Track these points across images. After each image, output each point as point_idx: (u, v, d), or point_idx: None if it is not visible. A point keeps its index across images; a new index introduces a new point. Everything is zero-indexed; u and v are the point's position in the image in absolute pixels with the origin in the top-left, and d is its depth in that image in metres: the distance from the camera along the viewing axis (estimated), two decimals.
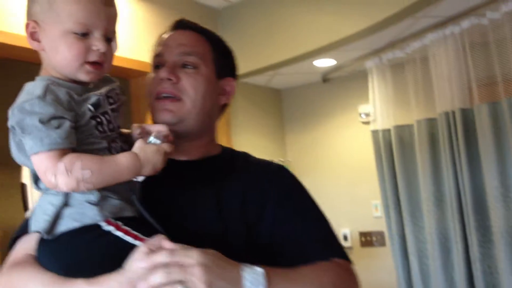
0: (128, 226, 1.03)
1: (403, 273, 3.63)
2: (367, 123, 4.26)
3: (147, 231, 1.04)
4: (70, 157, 0.98)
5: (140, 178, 1.10)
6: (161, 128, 1.14)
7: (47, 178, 0.99)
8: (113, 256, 1.00)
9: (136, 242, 1.02)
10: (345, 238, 4.41)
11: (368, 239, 4.35)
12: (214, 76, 1.33)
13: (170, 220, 1.12)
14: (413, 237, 3.54)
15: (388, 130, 3.75)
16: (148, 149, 1.07)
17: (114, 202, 1.05)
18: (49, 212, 1.03)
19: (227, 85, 1.38)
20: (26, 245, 1.13)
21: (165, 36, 1.35)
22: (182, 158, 1.30)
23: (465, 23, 3.20)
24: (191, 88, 1.26)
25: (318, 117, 4.71)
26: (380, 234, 4.28)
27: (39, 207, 1.07)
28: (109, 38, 1.08)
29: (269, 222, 1.23)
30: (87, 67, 1.05)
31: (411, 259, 3.55)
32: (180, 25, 1.36)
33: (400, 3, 3.07)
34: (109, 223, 1.03)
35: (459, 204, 3.24)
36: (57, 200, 1.03)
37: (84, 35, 1.03)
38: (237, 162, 1.36)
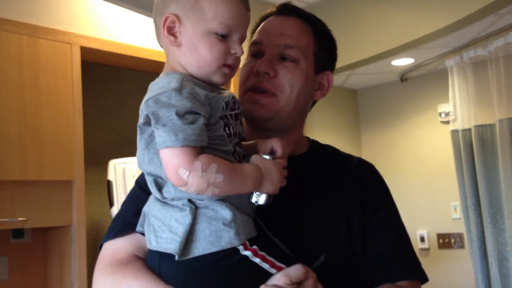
0: (263, 251, 0.98)
1: (482, 276, 3.54)
2: (446, 122, 4.18)
3: (277, 254, 0.99)
4: (206, 157, 0.93)
5: (262, 201, 1.01)
6: (278, 147, 1.07)
7: (178, 174, 0.92)
8: (248, 283, 0.96)
9: (272, 270, 0.97)
10: (422, 239, 4.33)
11: (446, 241, 4.26)
12: (313, 70, 1.25)
13: (291, 235, 1.08)
14: (493, 240, 3.45)
15: (469, 130, 3.67)
16: (267, 163, 1.01)
17: (246, 221, 0.99)
18: (178, 231, 0.95)
19: (324, 79, 1.29)
20: (129, 245, 1.11)
21: (267, 21, 1.26)
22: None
23: None
24: (287, 85, 1.19)
25: (395, 116, 4.66)
26: (459, 236, 4.19)
27: (160, 221, 0.98)
28: (241, 42, 1.05)
29: (364, 235, 1.20)
30: (225, 69, 1.02)
31: (491, 262, 3.46)
32: (285, 10, 1.27)
33: (482, 0, 3.00)
34: (245, 247, 0.97)
35: None
36: (184, 218, 0.95)
37: (224, 37, 1.01)
38: (329, 160, 1.30)
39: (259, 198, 1.01)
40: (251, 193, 1.02)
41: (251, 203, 1.02)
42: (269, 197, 1.02)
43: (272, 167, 1.01)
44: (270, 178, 1.00)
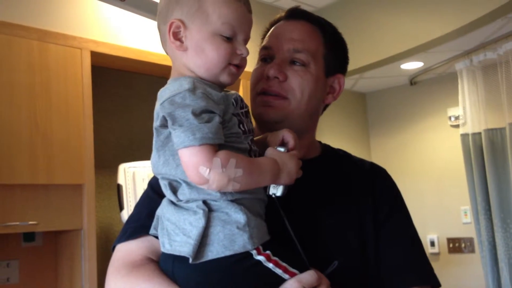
0: (276, 256, 0.98)
1: (493, 281, 3.51)
2: (456, 126, 4.16)
3: (290, 260, 0.99)
4: (224, 153, 0.94)
5: (279, 193, 1.03)
6: (289, 138, 1.08)
7: (198, 172, 0.93)
8: None
9: (285, 276, 0.97)
10: (432, 244, 4.31)
11: (456, 246, 4.23)
12: (323, 74, 1.26)
13: (303, 240, 1.07)
14: (504, 244, 3.42)
15: (479, 134, 3.65)
16: (283, 156, 1.03)
17: (259, 225, 0.99)
18: (191, 234, 0.95)
19: (336, 82, 1.30)
20: (142, 247, 1.11)
21: (276, 26, 1.29)
22: None
23: None
24: (297, 88, 1.20)
25: (405, 120, 4.65)
26: (470, 241, 4.16)
27: (174, 225, 0.99)
28: (245, 43, 1.07)
29: (376, 241, 1.20)
30: (232, 68, 1.04)
31: (501, 267, 3.43)
32: (294, 15, 1.29)
33: (492, 3, 2.99)
34: (259, 252, 0.97)
35: None
36: (198, 221, 0.95)
37: (229, 38, 1.03)
38: (341, 165, 1.30)
39: (277, 190, 1.04)
40: (267, 186, 1.03)
41: (268, 195, 1.04)
42: (285, 188, 1.04)
43: (288, 159, 1.03)
44: (288, 170, 1.02)
